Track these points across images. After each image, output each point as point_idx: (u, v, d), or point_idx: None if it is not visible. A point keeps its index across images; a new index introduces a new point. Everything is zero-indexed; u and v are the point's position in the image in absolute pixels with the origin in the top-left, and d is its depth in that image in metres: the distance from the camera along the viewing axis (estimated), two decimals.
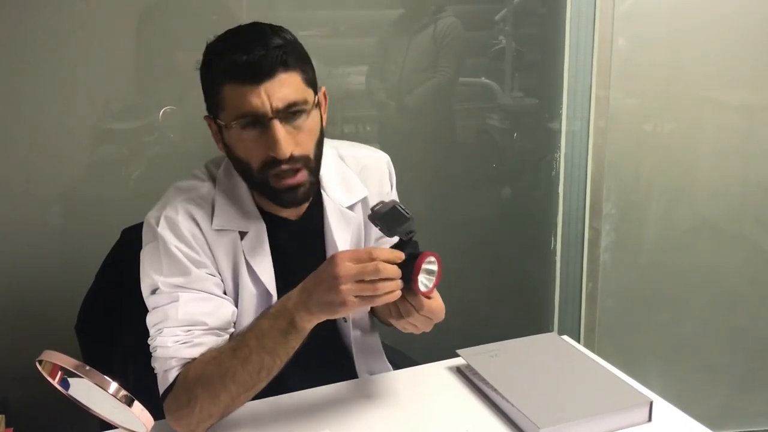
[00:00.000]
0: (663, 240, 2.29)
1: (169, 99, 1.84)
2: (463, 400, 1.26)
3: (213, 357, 1.14)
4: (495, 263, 2.26)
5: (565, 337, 1.44)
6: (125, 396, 0.77)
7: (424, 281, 1.10)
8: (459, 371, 1.35)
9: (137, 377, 1.42)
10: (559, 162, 2.15)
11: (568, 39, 2.07)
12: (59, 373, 0.76)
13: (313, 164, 1.20)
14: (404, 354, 1.58)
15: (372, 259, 1.03)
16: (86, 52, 1.75)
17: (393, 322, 1.17)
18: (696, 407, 1.29)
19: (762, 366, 2.37)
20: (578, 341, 2.16)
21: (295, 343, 1.10)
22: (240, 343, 1.13)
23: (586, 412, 1.14)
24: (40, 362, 0.77)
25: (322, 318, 1.08)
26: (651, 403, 1.18)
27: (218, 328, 1.19)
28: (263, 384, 1.13)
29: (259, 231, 1.25)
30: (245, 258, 1.23)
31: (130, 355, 1.43)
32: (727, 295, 2.32)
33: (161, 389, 1.17)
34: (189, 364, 1.15)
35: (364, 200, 1.34)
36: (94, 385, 0.76)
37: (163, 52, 1.85)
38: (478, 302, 2.17)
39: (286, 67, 1.14)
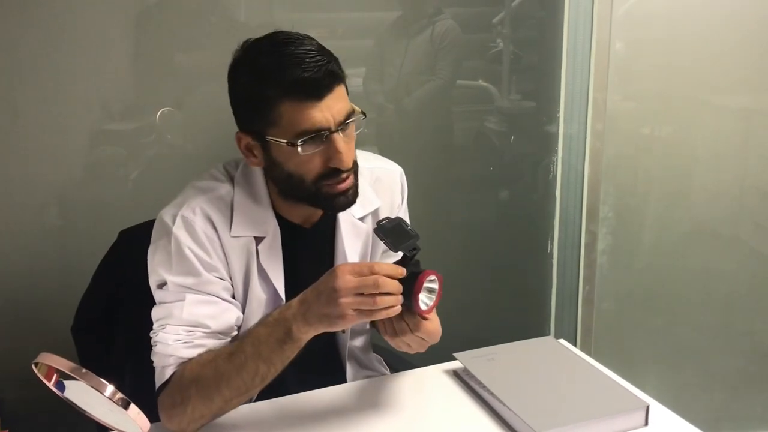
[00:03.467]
0: (660, 243, 2.29)
1: (167, 100, 1.84)
2: (459, 404, 1.26)
3: (210, 360, 1.15)
4: (492, 266, 2.25)
5: (562, 341, 1.44)
6: (121, 399, 0.76)
7: (424, 299, 1.10)
8: (456, 375, 1.35)
9: (134, 380, 1.42)
10: (557, 165, 2.15)
11: (566, 42, 2.07)
12: (55, 375, 0.76)
13: (356, 167, 1.22)
14: (401, 357, 1.57)
15: (373, 273, 1.04)
16: (83, 52, 1.75)
17: (387, 339, 1.17)
18: (692, 411, 1.30)
19: (759, 370, 2.37)
20: (575, 344, 2.16)
21: (291, 353, 1.10)
22: (237, 349, 1.13)
23: (582, 416, 1.14)
24: (36, 364, 0.77)
25: (320, 330, 1.08)
26: (647, 407, 1.18)
27: (220, 332, 1.19)
28: (257, 390, 1.14)
29: (275, 236, 1.25)
30: (259, 262, 1.24)
31: (127, 357, 1.43)
32: (724, 298, 2.32)
33: (157, 384, 1.18)
34: (186, 364, 1.16)
35: (375, 211, 1.35)
36: (91, 388, 0.75)
37: (161, 54, 1.84)
38: (474, 305, 2.17)
39: (339, 79, 1.15)
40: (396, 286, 1.05)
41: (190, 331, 1.17)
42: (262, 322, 1.15)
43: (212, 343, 1.18)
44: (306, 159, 1.15)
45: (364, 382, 1.37)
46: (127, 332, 1.44)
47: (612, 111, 2.10)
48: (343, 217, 1.31)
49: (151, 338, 1.20)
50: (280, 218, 1.26)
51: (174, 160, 1.87)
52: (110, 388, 0.76)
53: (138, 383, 1.40)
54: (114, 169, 1.84)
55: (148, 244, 1.28)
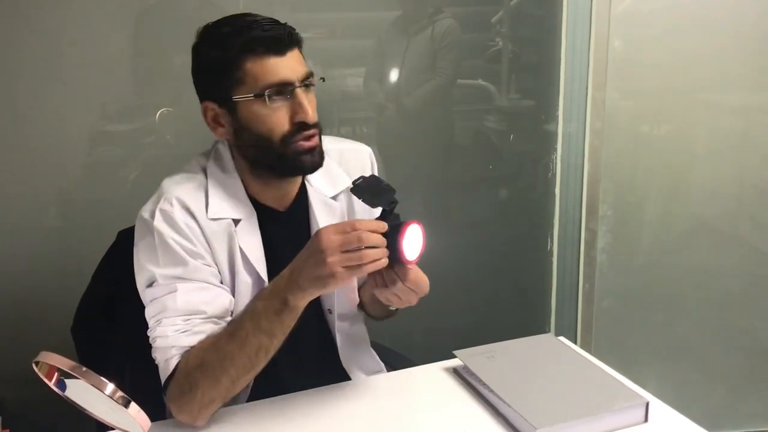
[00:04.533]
0: (659, 241, 2.29)
1: (166, 101, 1.85)
2: (459, 401, 1.26)
3: (211, 343, 1.15)
4: (492, 264, 2.26)
5: (562, 338, 1.44)
6: (122, 397, 0.77)
7: (409, 249, 1.11)
8: (456, 372, 1.35)
9: (133, 379, 1.42)
10: (556, 163, 2.16)
11: (565, 41, 2.07)
12: (56, 374, 0.76)
13: (320, 129, 1.25)
14: (401, 355, 1.58)
15: (355, 230, 1.06)
16: (83, 54, 1.75)
17: (377, 293, 1.19)
18: (692, 408, 1.30)
19: (758, 366, 2.37)
20: (575, 342, 2.16)
21: (290, 321, 1.12)
22: (236, 327, 1.14)
23: (582, 413, 1.14)
24: (37, 363, 0.77)
25: (315, 293, 1.10)
26: (647, 404, 1.18)
27: (217, 317, 1.20)
28: (261, 365, 1.14)
29: (251, 218, 1.27)
30: (239, 245, 1.25)
31: (127, 356, 1.43)
32: (723, 295, 2.32)
33: (162, 378, 1.18)
34: (188, 352, 1.16)
35: (347, 190, 1.37)
36: (91, 387, 0.75)
37: (159, 54, 1.85)
38: (474, 303, 2.18)
39: (298, 44, 1.22)
40: (379, 239, 1.07)
41: (188, 320, 1.17)
42: (257, 297, 1.16)
43: (210, 328, 1.18)
44: (272, 113, 1.19)
45: (363, 380, 1.37)
46: (127, 332, 1.44)
47: (611, 109, 2.10)
48: (315, 196, 1.33)
49: (149, 337, 1.20)
50: (254, 202, 1.28)
51: (173, 160, 1.86)
52: (111, 387, 0.76)
53: (138, 382, 1.40)
54: (113, 170, 1.85)
55: None
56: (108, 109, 1.83)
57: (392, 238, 1.09)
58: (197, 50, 1.24)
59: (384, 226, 1.09)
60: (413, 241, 1.11)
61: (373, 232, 1.07)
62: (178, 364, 1.16)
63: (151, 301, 1.20)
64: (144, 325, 1.22)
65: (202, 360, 1.14)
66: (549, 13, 2.13)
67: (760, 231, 2.31)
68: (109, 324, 1.44)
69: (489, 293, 2.26)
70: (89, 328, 1.44)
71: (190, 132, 1.87)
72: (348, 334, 1.42)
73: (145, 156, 1.86)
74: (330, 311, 1.37)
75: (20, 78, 1.72)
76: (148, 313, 1.20)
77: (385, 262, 1.08)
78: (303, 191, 1.33)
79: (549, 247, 2.23)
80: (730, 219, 2.32)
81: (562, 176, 2.16)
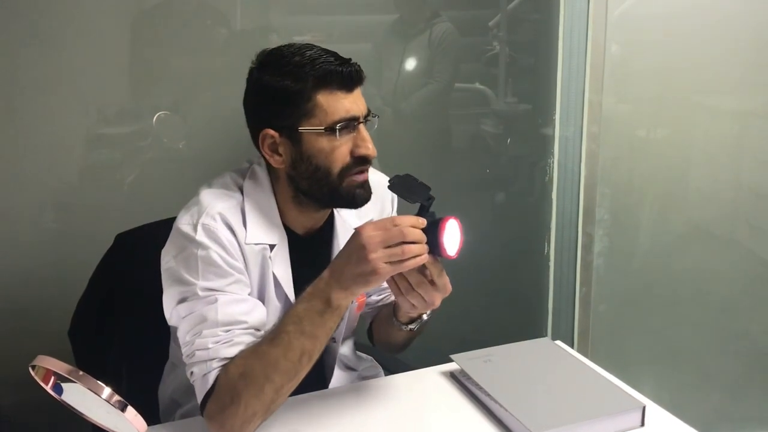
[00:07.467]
0: (656, 245, 2.29)
1: (163, 104, 1.84)
2: (456, 405, 1.26)
3: (252, 350, 1.13)
4: (489, 268, 2.26)
5: (559, 342, 1.44)
6: (118, 401, 0.76)
7: (449, 243, 1.12)
8: (453, 376, 1.35)
9: (131, 382, 1.42)
10: (553, 167, 2.16)
11: (561, 44, 2.07)
12: (52, 378, 0.76)
13: None
14: (398, 359, 1.58)
15: (395, 226, 1.07)
16: (80, 56, 1.75)
17: (401, 301, 1.17)
18: (689, 412, 1.30)
19: (755, 371, 2.37)
20: (572, 346, 2.17)
21: (333, 323, 1.12)
22: (278, 331, 1.12)
23: (579, 417, 1.15)
24: (33, 367, 0.77)
25: (357, 292, 1.10)
26: (644, 408, 1.18)
27: (256, 327, 1.18)
28: (304, 371, 1.12)
29: (283, 244, 1.27)
30: (273, 270, 1.25)
31: (124, 359, 1.43)
32: (719, 299, 2.32)
33: (200, 396, 1.14)
34: (228, 364, 1.13)
35: (369, 221, 1.36)
36: (88, 390, 0.75)
37: (157, 57, 1.84)
38: (471, 307, 2.17)
39: (362, 81, 1.24)
40: (420, 235, 1.08)
41: (228, 330, 1.15)
42: (297, 302, 1.15)
43: (250, 340, 1.16)
44: (338, 148, 1.20)
45: (360, 384, 1.37)
46: (124, 335, 1.44)
47: (607, 113, 2.10)
48: (341, 225, 1.34)
49: (184, 354, 1.17)
50: (284, 228, 1.28)
51: (171, 163, 1.87)
52: (107, 390, 0.76)
53: (135, 386, 1.40)
54: (111, 173, 1.84)
55: (145, 247, 1.27)
56: (105, 112, 1.83)
57: (431, 233, 1.10)
58: (258, 76, 1.22)
59: (423, 221, 1.11)
60: (452, 235, 1.12)
61: (413, 227, 1.08)
62: (217, 378, 1.12)
63: (185, 316, 1.17)
64: (142, 329, 1.22)
65: (243, 369, 1.10)
66: (546, 17, 2.13)
67: (757, 235, 2.32)
68: (107, 328, 1.44)
69: (486, 297, 2.26)
70: (87, 331, 1.44)
71: (188, 135, 1.87)
72: (346, 361, 1.43)
73: (142, 159, 1.86)
74: (334, 340, 1.36)
75: (17, 80, 1.72)
76: (184, 328, 1.17)
77: (425, 257, 1.09)
78: (330, 220, 1.34)
79: (546, 251, 2.23)
80: (727, 223, 2.32)
81: (558, 180, 2.16)
